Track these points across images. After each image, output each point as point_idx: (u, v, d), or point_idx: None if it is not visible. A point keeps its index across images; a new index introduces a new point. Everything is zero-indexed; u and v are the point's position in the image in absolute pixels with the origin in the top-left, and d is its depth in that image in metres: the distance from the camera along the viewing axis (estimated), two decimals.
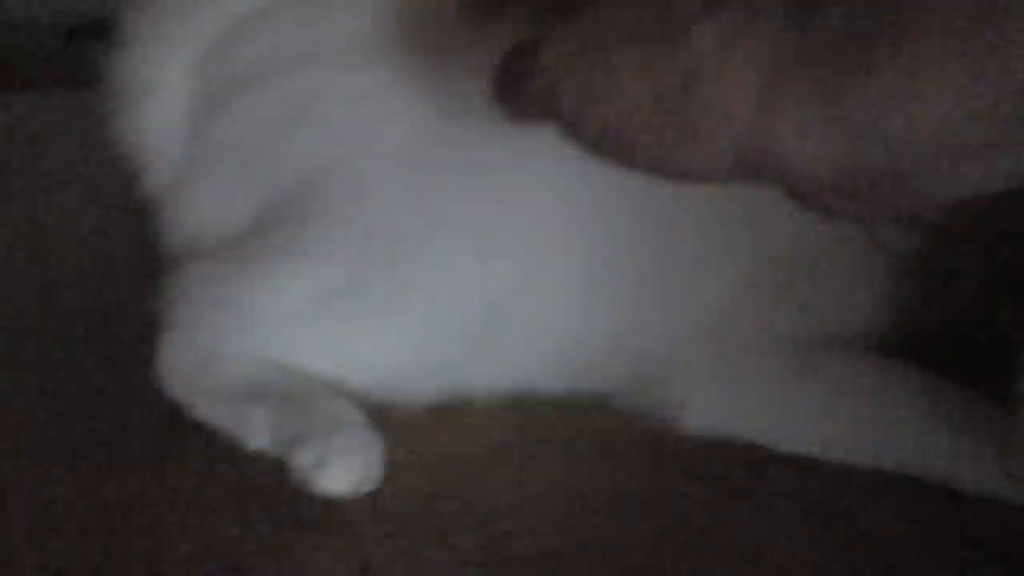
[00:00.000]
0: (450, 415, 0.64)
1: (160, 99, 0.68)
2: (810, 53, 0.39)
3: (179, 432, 0.62)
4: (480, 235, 0.62)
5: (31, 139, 1.19)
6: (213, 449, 0.60)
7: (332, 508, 0.55)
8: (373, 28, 0.64)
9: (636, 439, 0.63)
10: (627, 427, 0.64)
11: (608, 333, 0.64)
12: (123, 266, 0.85)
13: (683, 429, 0.63)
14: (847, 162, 0.40)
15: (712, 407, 0.62)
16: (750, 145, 0.42)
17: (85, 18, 1.75)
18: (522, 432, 0.64)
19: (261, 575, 0.51)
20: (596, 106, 0.44)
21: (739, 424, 0.62)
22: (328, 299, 0.62)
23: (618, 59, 0.44)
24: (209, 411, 0.61)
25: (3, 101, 1.28)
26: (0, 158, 1.12)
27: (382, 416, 0.61)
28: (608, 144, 0.45)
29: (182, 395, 0.63)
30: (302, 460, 0.55)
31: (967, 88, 0.36)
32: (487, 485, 0.59)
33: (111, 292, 0.80)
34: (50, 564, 0.51)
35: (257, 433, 0.59)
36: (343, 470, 0.54)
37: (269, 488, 0.57)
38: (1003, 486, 0.55)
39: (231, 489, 0.57)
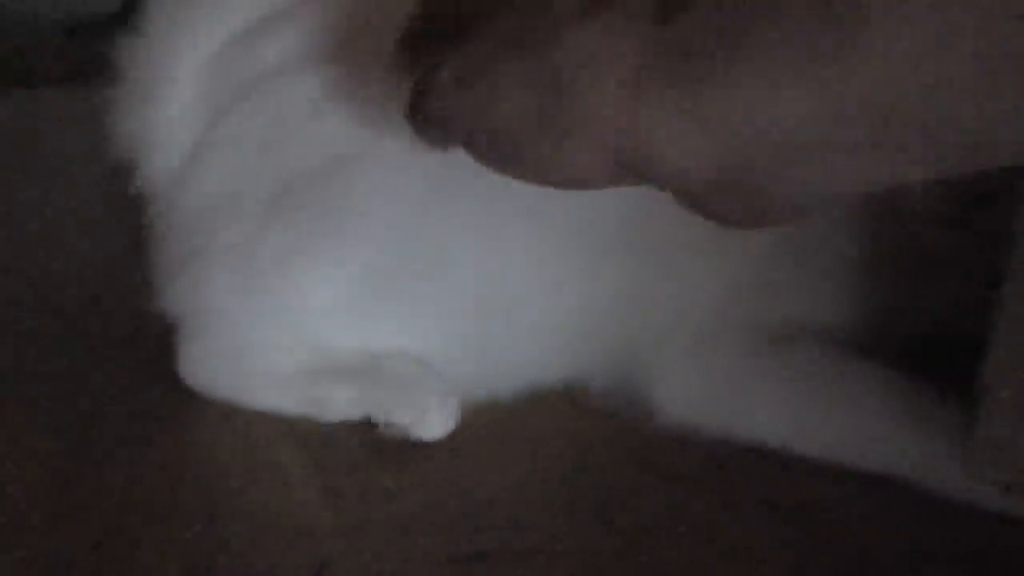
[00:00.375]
0: None
1: (174, 91, 0.69)
2: (675, 54, 0.40)
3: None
4: (492, 227, 0.64)
5: (32, 136, 1.20)
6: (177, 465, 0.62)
7: (291, 504, 0.57)
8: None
9: (604, 438, 0.65)
10: (596, 426, 0.66)
11: (599, 327, 0.66)
12: (123, 261, 0.85)
13: (658, 419, 0.65)
14: (715, 161, 0.41)
15: (685, 397, 0.65)
16: (624, 146, 0.43)
17: (86, 15, 1.76)
18: (488, 430, 0.65)
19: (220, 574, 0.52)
20: (482, 117, 0.46)
21: (710, 415, 0.64)
22: (371, 281, 0.64)
23: (499, 69, 0.45)
24: (262, 400, 0.65)
25: (4, 97, 1.29)
26: (1, 154, 1.13)
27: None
28: (497, 154, 0.47)
29: (221, 392, 0.66)
30: (402, 418, 0.62)
31: (826, 89, 0.36)
32: (450, 484, 0.60)
33: (110, 286, 0.82)
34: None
35: (340, 407, 0.64)
36: (442, 417, 0.63)
37: (227, 490, 0.59)
38: (963, 487, 0.56)
39: (186, 500, 0.58)
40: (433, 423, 0.63)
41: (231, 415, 0.66)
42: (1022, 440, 0.51)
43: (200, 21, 0.69)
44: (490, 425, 0.65)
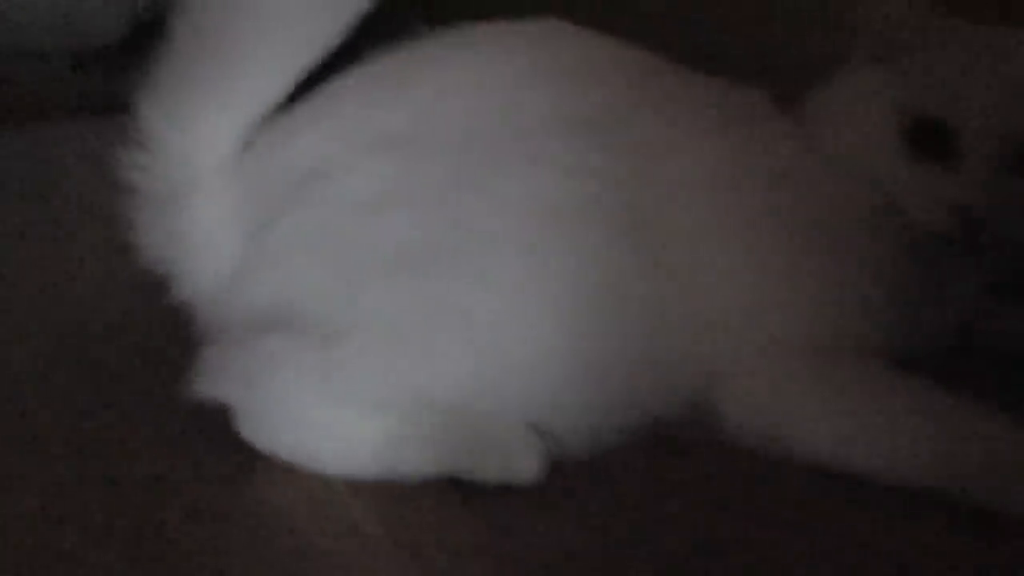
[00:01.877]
0: None
1: (198, 199, 0.66)
2: None
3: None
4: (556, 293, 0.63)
5: (42, 168, 1.18)
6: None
7: (368, 564, 0.56)
8: (466, 116, 0.65)
9: (680, 480, 0.64)
10: (669, 466, 0.65)
11: (684, 359, 0.66)
12: (136, 294, 0.82)
13: (726, 434, 0.65)
14: None
15: (751, 414, 0.65)
16: None
17: (91, 45, 1.75)
18: (561, 475, 0.63)
19: None
20: None
21: (775, 432, 0.64)
22: (485, 368, 0.63)
23: None
24: (334, 467, 0.62)
25: (12, 131, 1.28)
26: (9, 187, 1.12)
27: None
28: None
29: (285, 455, 0.63)
30: (490, 471, 0.61)
31: None
32: (528, 535, 0.59)
33: (124, 318, 0.80)
34: None
35: (422, 469, 0.62)
36: (530, 461, 0.61)
37: (298, 551, 0.57)
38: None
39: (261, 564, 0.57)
40: (522, 468, 0.61)
41: (295, 471, 0.63)
42: None
43: (204, 124, 0.66)
44: (564, 468, 0.63)
